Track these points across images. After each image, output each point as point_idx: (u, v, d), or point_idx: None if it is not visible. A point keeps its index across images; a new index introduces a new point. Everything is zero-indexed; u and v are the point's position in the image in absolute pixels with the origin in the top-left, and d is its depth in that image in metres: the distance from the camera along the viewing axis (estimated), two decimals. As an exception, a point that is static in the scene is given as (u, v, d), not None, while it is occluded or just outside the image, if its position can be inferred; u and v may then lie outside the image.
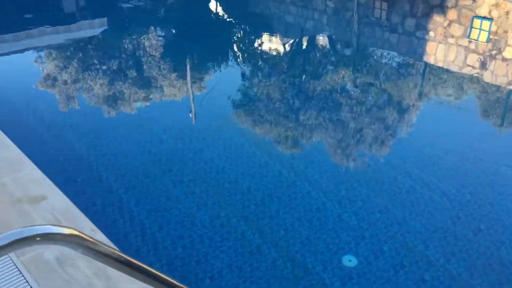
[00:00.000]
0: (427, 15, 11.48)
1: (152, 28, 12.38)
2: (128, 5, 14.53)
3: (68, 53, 9.61)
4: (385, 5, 12.44)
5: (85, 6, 14.81)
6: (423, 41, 11.01)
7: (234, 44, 12.06)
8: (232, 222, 4.28)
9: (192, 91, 7.75)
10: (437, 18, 11.26)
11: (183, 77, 8.54)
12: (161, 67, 9.14)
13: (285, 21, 13.70)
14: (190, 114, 6.87)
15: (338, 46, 11.90)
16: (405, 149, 5.67)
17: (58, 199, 3.43)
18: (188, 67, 9.52)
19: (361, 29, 12.20)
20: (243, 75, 9.43)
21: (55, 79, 7.85)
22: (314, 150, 5.63)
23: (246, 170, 4.97)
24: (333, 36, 12.54)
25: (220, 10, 14.73)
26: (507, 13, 10.15)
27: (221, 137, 5.70)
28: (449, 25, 11.01)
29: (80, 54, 9.54)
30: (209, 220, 4.29)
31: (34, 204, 3.38)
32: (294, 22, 13.59)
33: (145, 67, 8.93)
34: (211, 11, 14.83)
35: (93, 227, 3.12)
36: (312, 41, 12.40)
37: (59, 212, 3.27)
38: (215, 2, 15.28)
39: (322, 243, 4.01)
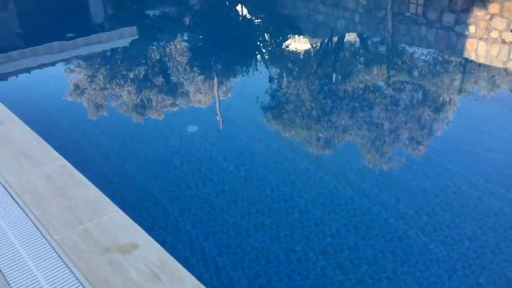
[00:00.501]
0: (467, 10, 11.12)
1: (182, 34, 12.29)
2: (155, 12, 14.47)
3: (106, 65, 9.58)
4: (421, 0, 12.10)
5: (113, 15, 14.81)
6: (463, 36, 10.67)
7: (263, 46, 11.89)
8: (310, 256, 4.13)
9: (217, 96, 7.78)
10: (477, 13, 10.89)
11: (215, 81, 8.53)
12: (198, 73, 9.07)
13: (315, 21, 13.47)
14: (218, 118, 6.93)
15: (373, 45, 11.63)
16: (483, 164, 5.41)
17: (149, 247, 3.31)
18: (216, 71, 9.43)
19: (396, 26, 11.90)
20: (272, 78, 9.31)
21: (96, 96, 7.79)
22: (384, 170, 5.41)
23: (316, 199, 4.80)
24: (366, 35, 12.27)
25: (247, 13, 14.55)
26: (556, 4, 9.77)
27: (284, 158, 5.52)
28: (491, 19, 10.65)
29: (117, 66, 9.49)
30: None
31: (125, 253, 3.27)
32: (325, 21, 13.35)
33: (185, 74, 8.83)
34: (238, 14, 14.66)
35: (195, 281, 2.99)
36: (345, 41, 12.16)
37: (155, 263, 3.16)
38: (241, 5, 15.11)
39: (411, 278, 3.83)
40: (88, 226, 3.57)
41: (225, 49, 11.00)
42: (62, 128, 6.39)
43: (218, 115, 7.04)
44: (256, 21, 14.06)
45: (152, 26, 13.21)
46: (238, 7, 15.20)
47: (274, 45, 11.98)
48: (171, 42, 11.48)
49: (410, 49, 10.97)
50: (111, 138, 6.22)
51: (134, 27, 12.36)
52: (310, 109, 7.31)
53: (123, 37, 11.83)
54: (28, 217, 3.73)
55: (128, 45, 11.41)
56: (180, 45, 11.16)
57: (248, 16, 14.31)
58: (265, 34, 12.86)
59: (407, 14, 12.08)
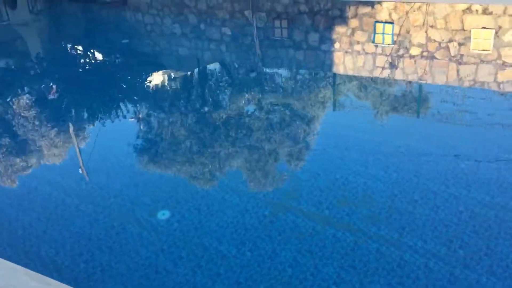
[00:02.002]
0: (330, 28, 11.89)
1: (27, 86, 10.59)
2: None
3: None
4: (285, 23, 12.55)
5: None
6: (329, 52, 11.35)
7: (123, 88, 10.91)
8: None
9: (77, 145, 7.14)
10: (339, 29, 11.73)
11: (70, 133, 7.73)
12: (53, 126, 7.96)
13: (178, 56, 12.95)
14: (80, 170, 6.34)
15: (244, 71, 11.65)
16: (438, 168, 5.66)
17: None
18: (74, 121, 8.44)
19: (264, 51, 12.11)
20: (139, 118, 8.65)
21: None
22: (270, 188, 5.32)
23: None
24: (236, 62, 12.23)
25: (102, 57, 13.28)
26: (407, 13, 11.02)
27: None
28: (352, 33, 11.56)
29: None
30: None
31: None
32: (190, 55, 12.93)
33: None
34: (94, 59, 13.29)
35: None
36: (213, 71, 11.92)
37: None
38: (93, 50, 13.74)
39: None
40: None
41: (81, 96, 9.86)
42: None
43: (81, 167, 6.44)
44: (113, 62, 12.91)
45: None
46: (90, 52, 13.80)
47: (135, 84, 11.09)
48: (17, 97, 9.83)
49: (282, 71, 11.24)
50: None
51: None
52: (186, 144, 7.04)
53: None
54: None
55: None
56: (27, 99, 9.61)
57: (104, 58, 13.07)
58: (124, 75, 11.86)
59: (274, 38, 12.42)
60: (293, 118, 7.95)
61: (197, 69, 12.17)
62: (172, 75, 11.41)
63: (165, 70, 11.89)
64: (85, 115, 9.02)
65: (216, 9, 13.32)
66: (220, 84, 10.82)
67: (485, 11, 10.15)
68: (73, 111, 9.15)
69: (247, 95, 9.43)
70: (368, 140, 6.73)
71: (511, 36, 9.83)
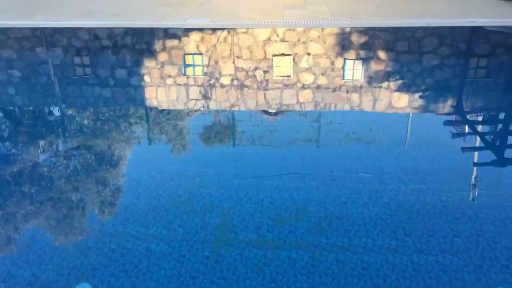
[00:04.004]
0: (138, 62, 11.44)
1: None
2: None
3: None
4: (86, 60, 11.51)
5: None
6: (140, 88, 10.95)
7: None
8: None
9: None
10: (148, 63, 11.39)
11: None
12: None
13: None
14: None
15: (40, 114, 10.26)
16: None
17: None
18: None
19: (65, 90, 10.90)
20: None
21: None
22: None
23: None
24: (31, 105, 10.65)
25: None
26: (214, 45, 11.41)
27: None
28: (162, 67, 11.36)
29: None
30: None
31: None
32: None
33: None
34: None
35: None
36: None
37: None
38: None
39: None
40: None
41: None
42: None
43: None
44: None
45: None
46: None
47: None
48: None
49: (87, 111, 10.32)
50: None
51: None
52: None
53: None
54: None
55: None
56: None
57: None
58: None
59: (76, 76, 11.27)
60: (90, 160, 7.20)
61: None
62: None
63: None
64: None
65: (-3, 48, 11.44)
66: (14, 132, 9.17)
67: (282, 40, 11.30)
68: None
69: (44, 138, 8.24)
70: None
71: (306, 62, 11.15)
